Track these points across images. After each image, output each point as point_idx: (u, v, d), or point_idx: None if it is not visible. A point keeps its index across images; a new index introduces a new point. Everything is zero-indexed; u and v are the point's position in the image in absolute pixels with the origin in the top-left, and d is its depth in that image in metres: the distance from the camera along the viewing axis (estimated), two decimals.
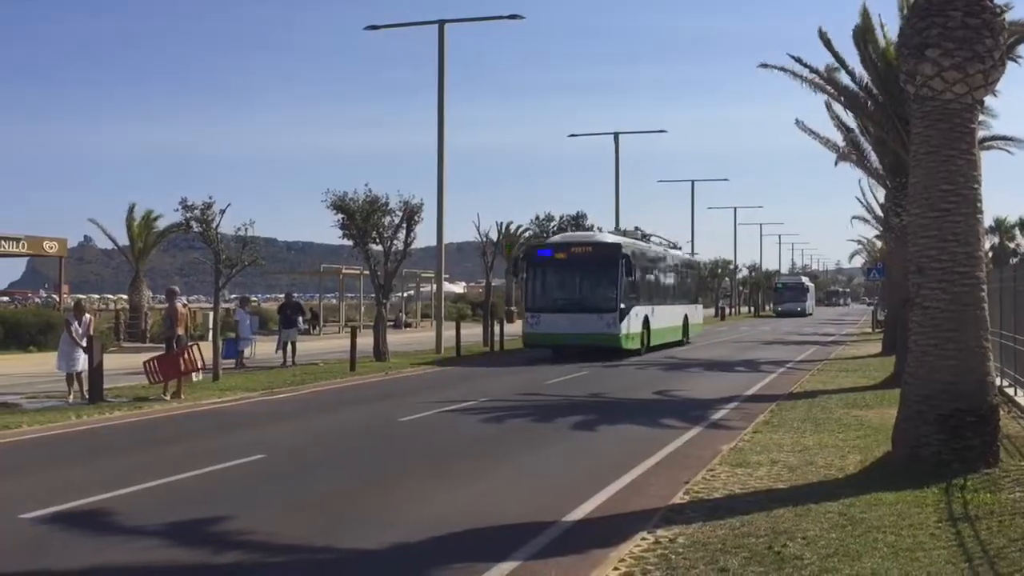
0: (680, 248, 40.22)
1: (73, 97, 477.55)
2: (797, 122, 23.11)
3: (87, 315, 18.01)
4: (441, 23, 31.27)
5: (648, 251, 32.79)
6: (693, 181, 69.03)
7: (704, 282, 41.19)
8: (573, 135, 68.09)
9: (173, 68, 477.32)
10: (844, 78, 20.70)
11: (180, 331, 18.30)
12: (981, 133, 12.79)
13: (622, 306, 27.47)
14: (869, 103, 20.45)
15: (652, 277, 32.39)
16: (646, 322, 29.85)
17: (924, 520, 7.46)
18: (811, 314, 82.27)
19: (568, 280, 29.03)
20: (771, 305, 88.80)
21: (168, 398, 17.09)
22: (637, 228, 35.37)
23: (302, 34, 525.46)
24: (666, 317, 32.84)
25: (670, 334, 33.42)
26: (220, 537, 7.66)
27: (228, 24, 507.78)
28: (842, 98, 20.89)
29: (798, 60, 20.40)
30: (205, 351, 19.47)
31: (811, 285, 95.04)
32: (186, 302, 21.43)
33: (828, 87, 20.70)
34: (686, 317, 36.27)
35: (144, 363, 17.92)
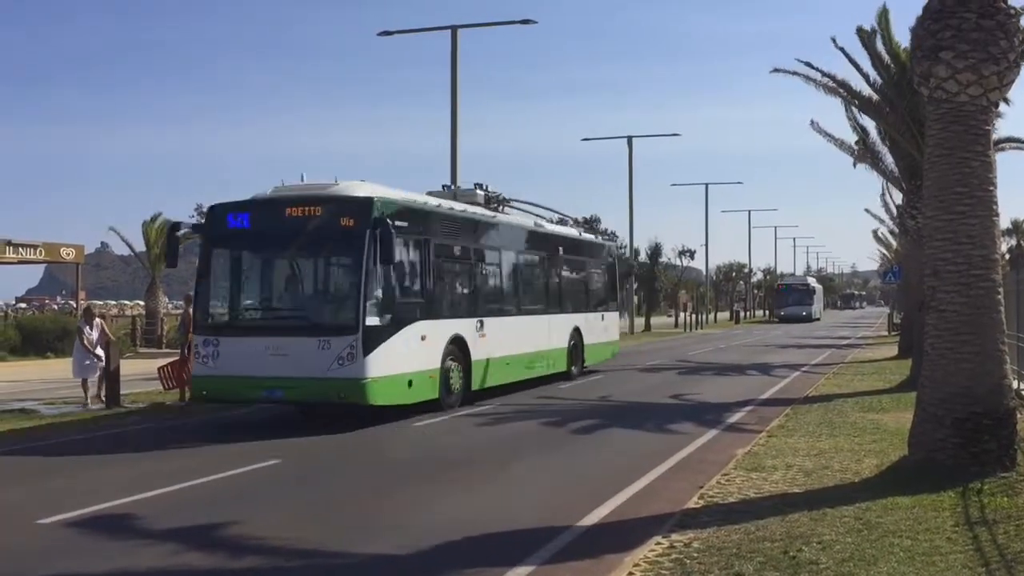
0: (570, 223, 25.34)
1: (85, 101, 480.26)
2: (812, 123, 23.02)
3: (97, 319, 18.12)
4: (454, 28, 31.32)
5: (462, 216, 17.90)
6: (707, 184, 68.85)
7: (622, 275, 25.50)
8: (586, 139, 68.23)
9: (185, 71, 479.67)
10: (857, 81, 20.67)
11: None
12: (996, 135, 12.72)
13: (372, 321, 13.93)
14: (884, 106, 20.38)
15: (482, 266, 18.14)
16: (459, 348, 16.39)
17: (941, 524, 7.42)
18: (818, 319, 76.83)
19: (274, 271, 15.77)
20: (774, 309, 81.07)
21: (185, 403, 17.17)
22: (480, 186, 20.68)
23: (315, 37, 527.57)
24: (523, 337, 19.19)
25: (532, 364, 19.66)
26: (235, 542, 7.68)
27: (241, 28, 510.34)
28: (856, 101, 20.83)
29: (808, 65, 20.37)
30: None
31: (818, 287, 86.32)
32: None
33: (841, 90, 20.64)
34: (576, 333, 22.13)
35: (159, 369, 18.02)
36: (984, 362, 9.36)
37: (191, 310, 18.85)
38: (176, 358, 18.65)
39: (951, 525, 7.40)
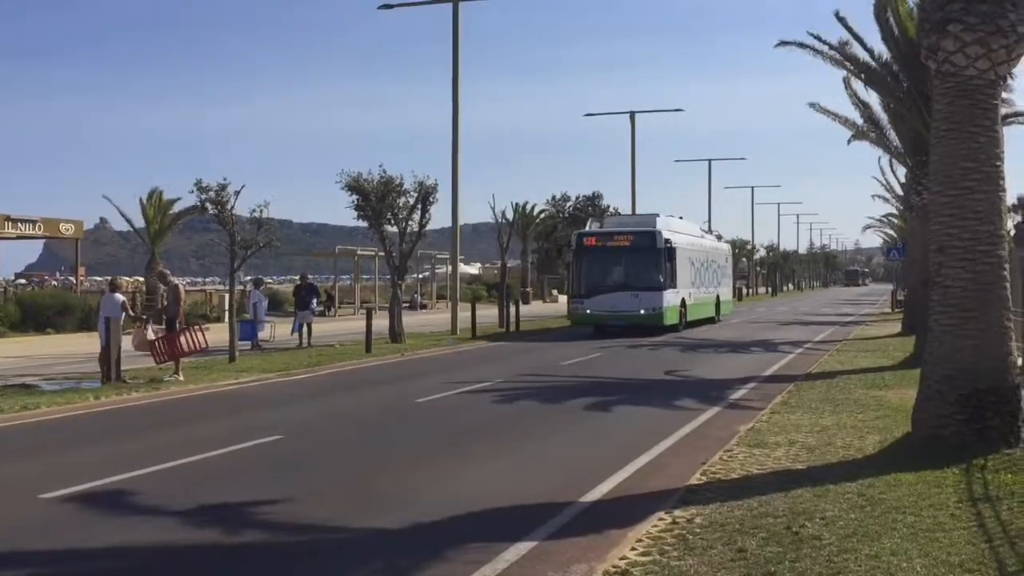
0: None
1: (85, 76, 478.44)
2: (812, 104, 22.91)
3: (118, 294, 18.16)
4: (455, 0, 31.10)
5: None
6: (710, 160, 68.03)
7: None
8: (589, 114, 67.46)
9: (185, 47, 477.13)
10: (863, 54, 20.50)
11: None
12: (1003, 109, 12.58)
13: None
14: (889, 79, 20.22)
15: None
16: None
17: (944, 501, 7.40)
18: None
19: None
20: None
21: (182, 378, 17.13)
22: None
23: (315, 12, 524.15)
24: None
25: None
26: (237, 517, 7.66)
27: (241, 3, 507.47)
28: (862, 75, 20.67)
29: (817, 37, 20.24)
30: (221, 333, 19.45)
31: (714, 246, 39.74)
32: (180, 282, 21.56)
33: (847, 63, 20.50)
34: None
35: (151, 343, 17.89)
36: (989, 338, 9.31)
37: (178, 283, 19.05)
38: (168, 333, 18.54)
39: (954, 501, 7.37)
